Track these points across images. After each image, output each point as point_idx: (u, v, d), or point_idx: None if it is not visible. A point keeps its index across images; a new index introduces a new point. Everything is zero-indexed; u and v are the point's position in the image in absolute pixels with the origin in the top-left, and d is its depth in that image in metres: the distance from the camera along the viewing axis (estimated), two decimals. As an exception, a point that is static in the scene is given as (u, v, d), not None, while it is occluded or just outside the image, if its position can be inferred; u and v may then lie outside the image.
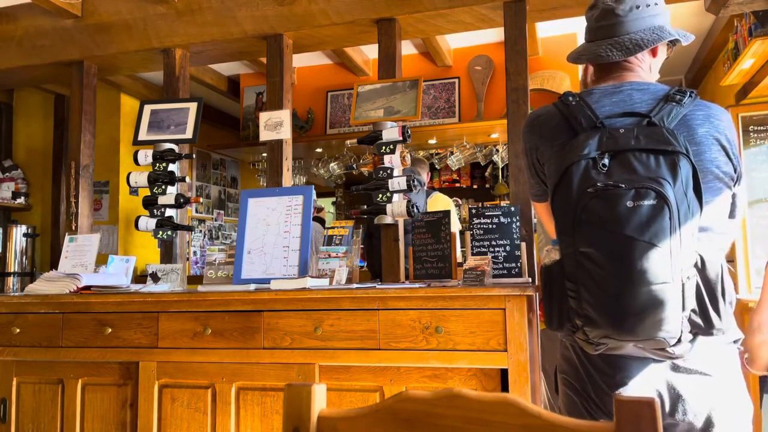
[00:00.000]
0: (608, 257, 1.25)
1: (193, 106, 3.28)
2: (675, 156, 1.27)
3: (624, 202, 1.25)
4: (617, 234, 1.24)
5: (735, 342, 1.42)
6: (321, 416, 0.85)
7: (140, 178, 3.20)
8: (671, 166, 1.27)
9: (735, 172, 1.43)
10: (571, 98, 1.44)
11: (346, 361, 2.18)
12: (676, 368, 1.37)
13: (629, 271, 1.24)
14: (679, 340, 1.28)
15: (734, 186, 1.45)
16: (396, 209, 2.80)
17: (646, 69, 1.52)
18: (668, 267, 1.24)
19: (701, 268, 1.30)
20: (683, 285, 1.26)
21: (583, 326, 1.32)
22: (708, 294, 1.30)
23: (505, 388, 2.03)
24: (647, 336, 1.26)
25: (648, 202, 1.24)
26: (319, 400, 0.85)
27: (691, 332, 1.30)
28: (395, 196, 2.83)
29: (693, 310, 1.29)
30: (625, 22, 1.48)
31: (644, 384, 1.37)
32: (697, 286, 1.29)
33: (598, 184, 1.27)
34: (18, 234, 4.76)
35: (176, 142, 3.22)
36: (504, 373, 2.04)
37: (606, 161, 1.29)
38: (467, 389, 0.80)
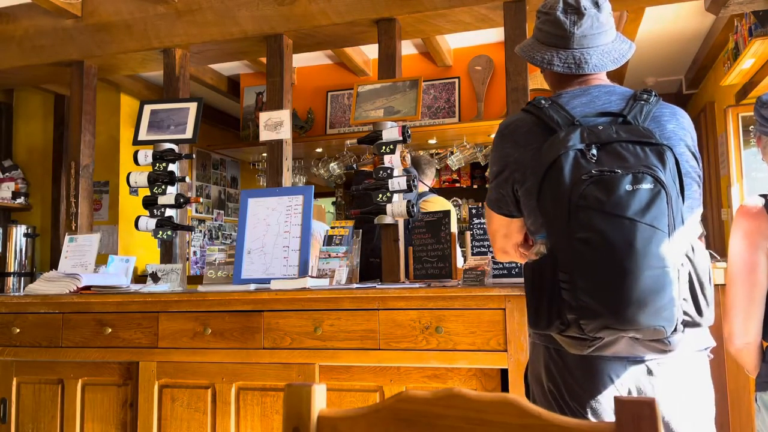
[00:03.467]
0: (609, 241, 1.23)
1: (193, 106, 3.28)
2: (660, 147, 1.28)
3: (623, 186, 1.24)
4: (619, 217, 1.23)
5: (705, 349, 1.41)
6: (321, 416, 0.85)
7: (140, 178, 3.20)
8: (658, 156, 1.27)
9: (699, 169, 1.45)
10: (543, 101, 1.43)
11: (346, 361, 2.18)
12: (649, 372, 1.35)
13: (632, 254, 1.21)
14: (674, 330, 1.26)
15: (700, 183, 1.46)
16: (396, 209, 2.80)
17: (605, 73, 1.52)
18: (668, 251, 1.23)
19: (693, 256, 1.30)
20: (678, 272, 1.25)
21: (578, 319, 1.27)
22: (698, 282, 1.30)
23: (505, 388, 2.04)
24: (648, 324, 1.23)
25: (646, 186, 1.23)
26: (319, 400, 0.85)
27: (682, 322, 1.28)
28: (395, 196, 2.83)
29: (684, 299, 1.28)
30: (607, 32, 1.48)
31: (619, 387, 1.35)
32: (689, 274, 1.29)
33: (593, 171, 1.26)
34: (18, 234, 4.76)
35: (176, 142, 3.22)
36: (504, 373, 2.05)
37: (594, 152, 1.28)
38: (467, 389, 0.80)
